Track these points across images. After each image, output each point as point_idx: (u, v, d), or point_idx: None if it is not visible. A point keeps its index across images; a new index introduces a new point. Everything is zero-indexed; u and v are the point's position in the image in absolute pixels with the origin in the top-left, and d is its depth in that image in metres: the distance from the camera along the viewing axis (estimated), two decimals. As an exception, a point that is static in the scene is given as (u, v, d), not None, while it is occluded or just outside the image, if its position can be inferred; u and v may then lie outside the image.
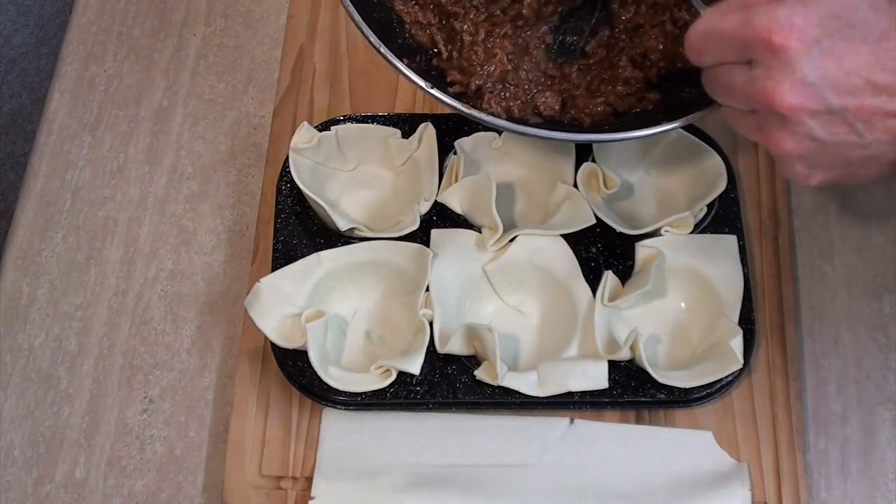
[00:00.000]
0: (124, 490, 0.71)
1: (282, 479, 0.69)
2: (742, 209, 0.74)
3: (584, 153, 0.75)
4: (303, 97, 0.81)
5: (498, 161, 0.76)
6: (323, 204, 0.71)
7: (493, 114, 0.64)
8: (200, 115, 0.84)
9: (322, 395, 0.68)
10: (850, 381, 0.73)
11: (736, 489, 0.66)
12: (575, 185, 0.73)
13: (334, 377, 0.67)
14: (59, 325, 0.76)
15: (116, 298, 0.77)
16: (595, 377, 0.67)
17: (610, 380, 0.67)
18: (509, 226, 0.73)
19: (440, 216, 0.74)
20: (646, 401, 0.68)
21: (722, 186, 0.72)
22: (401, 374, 0.68)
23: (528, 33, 0.68)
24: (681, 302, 0.72)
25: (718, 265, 0.71)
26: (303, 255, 0.71)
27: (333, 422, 0.69)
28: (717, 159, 0.74)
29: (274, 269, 0.71)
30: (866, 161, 0.56)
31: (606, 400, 0.68)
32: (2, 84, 1.75)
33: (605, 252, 0.73)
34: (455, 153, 0.75)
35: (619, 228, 0.71)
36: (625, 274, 0.72)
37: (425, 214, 0.73)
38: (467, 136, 0.76)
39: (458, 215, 0.73)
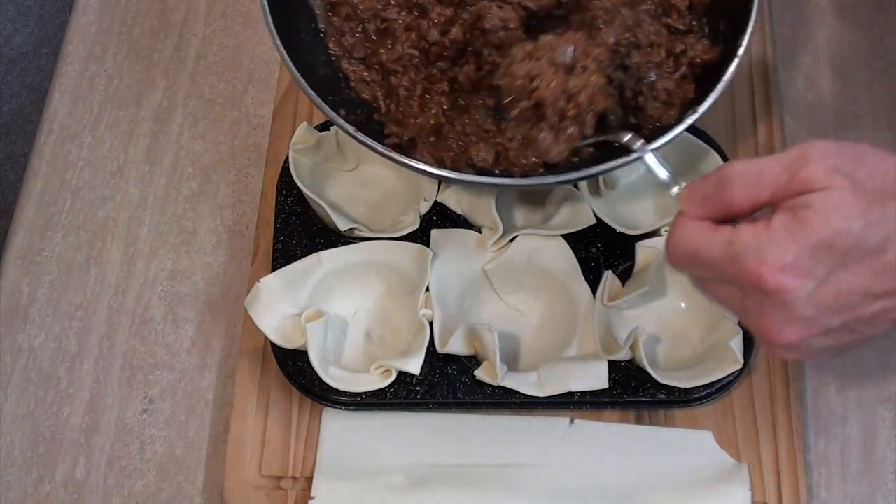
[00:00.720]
0: (124, 490, 0.71)
1: (282, 479, 0.69)
2: None
3: None
4: (303, 97, 0.80)
5: None
6: (323, 204, 0.71)
7: (425, 163, 0.66)
8: (200, 114, 0.84)
9: (322, 395, 0.68)
10: (850, 381, 0.73)
11: (736, 489, 0.66)
12: (575, 185, 0.73)
13: (334, 377, 0.67)
14: (59, 325, 0.76)
15: (116, 298, 0.77)
16: (595, 377, 0.67)
17: (610, 380, 0.67)
18: (509, 226, 0.73)
19: (440, 216, 0.74)
20: (646, 401, 0.68)
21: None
22: (401, 374, 0.68)
23: (470, 95, 0.70)
24: (681, 302, 0.72)
25: None
26: (303, 256, 0.71)
27: (333, 422, 0.69)
28: (717, 159, 0.74)
29: (274, 269, 0.71)
30: (872, 339, 0.54)
31: (606, 400, 0.68)
32: (2, 84, 1.75)
33: (605, 252, 0.72)
34: None
35: (620, 229, 0.72)
36: (625, 274, 0.72)
37: (425, 214, 0.73)
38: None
39: (458, 215, 0.74)
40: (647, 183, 0.76)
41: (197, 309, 0.76)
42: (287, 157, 0.74)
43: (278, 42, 0.66)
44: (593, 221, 0.72)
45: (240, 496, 0.68)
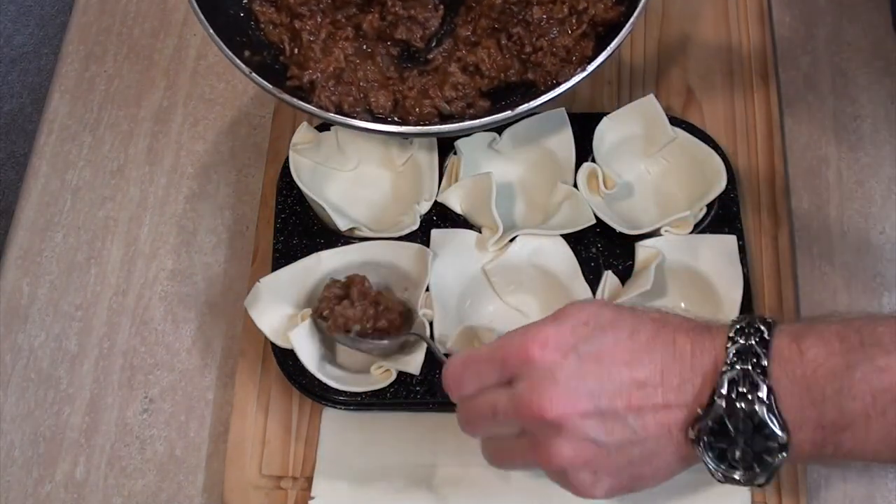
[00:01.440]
0: (124, 490, 0.71)
1: (282, 478, 0.69)
2: (742, 209, 0.74)
3: (583, 153, 0.75)
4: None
5: (498, 161, 0.76)
6: (323, 204, 0.71)
7: (321, 106, 0.68)
8: (200, 115, 0.84)
9: (322, 394, 0.68)
10: (850, 381, 0.73)
11: (735, 490, 0.66)
12: (575, 185, 0.73)
13: (334, 377, 0.67)
14: (59, 325, 0.76)
15: (116, 298, 0.77)
16: None
17: None
18: (509, 226, 0.73)
19: (440, 216, 0.74)
20: None
21: (721, 186, 0.72)
22: (401, 374, 0.68)
23: (374, 43, 0.74)
24: (681, 302, 0.72)
25: (718, 265, 0.71)
26: (303, 255, 0.71)
27: (333, 421, 0.70)
28: (717, 159, 0.73)
29: (274, 269, 0.71)
30: (648, 459, 0.54)
31: None
32: (2, 84, 1.75)
33: (604, 252, 0.72)
34: (455, 153, 0.75)
35: (619, 228, 0.71)
36: (625, 274, 0.72)
37: (425, 215, 0.73)
38: (468, 136, 0.75)
39: (458, 216, 0.73)
40: (646, 183, 0.76)
41: (197, 309, 0.76)
42: (287, 158, 0.74)
43: None
44: (593, 221, 0.71)
45: (240, 496, 0.68)
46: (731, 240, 0.72)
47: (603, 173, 0.73)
